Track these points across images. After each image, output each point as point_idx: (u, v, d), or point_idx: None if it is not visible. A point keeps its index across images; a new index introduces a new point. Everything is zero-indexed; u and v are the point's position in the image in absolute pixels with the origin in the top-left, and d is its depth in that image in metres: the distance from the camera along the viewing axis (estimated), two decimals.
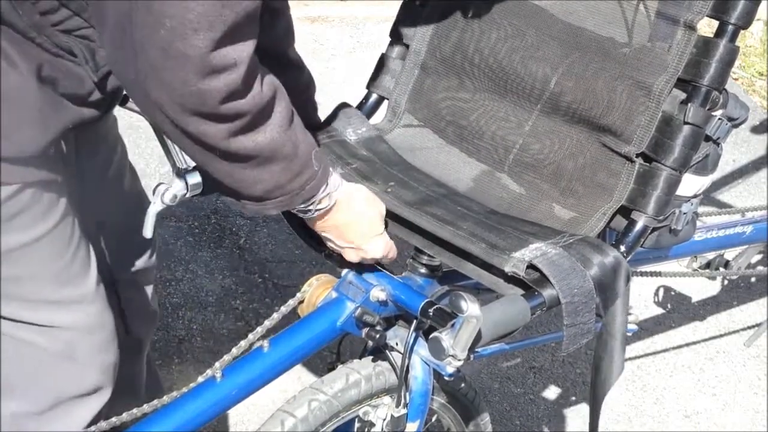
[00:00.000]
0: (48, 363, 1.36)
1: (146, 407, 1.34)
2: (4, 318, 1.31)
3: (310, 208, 1.33)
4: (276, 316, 1.42)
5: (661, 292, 2.81)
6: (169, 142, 1.38)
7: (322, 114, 1.64)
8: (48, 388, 1.38)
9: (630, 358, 2.61)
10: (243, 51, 1.11)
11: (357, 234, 1.38)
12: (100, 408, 1.43)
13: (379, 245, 1.40)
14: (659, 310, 2.78)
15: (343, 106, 1.64)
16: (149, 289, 1.69)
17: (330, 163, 1.36)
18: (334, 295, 1.45)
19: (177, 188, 1.38)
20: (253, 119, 1.17)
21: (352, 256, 1.41)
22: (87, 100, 1.26)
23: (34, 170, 1.22)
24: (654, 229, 1.39)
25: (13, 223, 1.23)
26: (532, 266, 1.27)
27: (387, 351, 1.46)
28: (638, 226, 1.36)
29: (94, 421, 1.42)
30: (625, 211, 1.39)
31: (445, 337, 1.19)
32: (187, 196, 1.40)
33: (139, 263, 1.63)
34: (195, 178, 1.40)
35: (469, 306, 1.13)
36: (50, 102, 1.21)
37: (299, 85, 1.52)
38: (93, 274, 1.37)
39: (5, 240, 1.24)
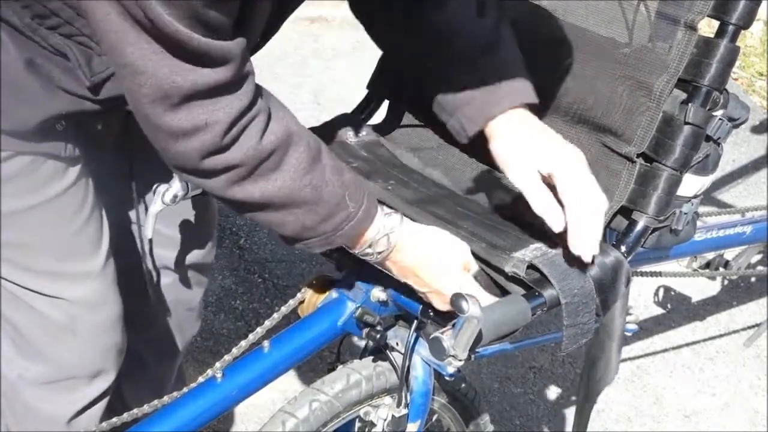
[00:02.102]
0: (52, 333, 1.37)
1: (146, 407, 1.34)
2: (14, 283, 1.33)
3: (368, 251, 1.25)
4: (276, 316, 1.42)
5: (661, 292, 2.81)
6: None
7: (323, 114, 1.64)
8: (52, 359, 1.39)
9: (630, 358, 2.61)
10: (217, 110, 1.09)
11: (429, 276, 1.27)
12: (101, 392, 1.44)
13: (454, 286, 1.25)
14: (659, 310, 2.78)
15: (343, 114, 1.64)
16: (196, 290, 1.67)
17: (382, 205, 1.27)
18: (335, 295, 1.45)
19: (177, 188, 1.38)
20: (253, 169, 1.13)
21: (438, 303, 1.30)
22: (86, 96, 1.25)
23: (28, 142, 1.23)
24: (654, 230, 1.39)
25: (6, 188, 1.24)
26: (532, 266, 1.27)
27: (387, 351, 1.46)
28: (639, 226, 1.36)
29: (92, 404, 1.43)
30: (625, 212, 1.39)
31: (445, 337, 1.18)
32: (188, 196, 1.40)
33: (195, 257, 1.62)
34: None
35: (470, 306, 1.13)
36: (42, 88, 1.21)
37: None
38: (102, 252, 1.37)
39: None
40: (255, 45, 1.26)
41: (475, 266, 1.29)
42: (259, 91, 1.15)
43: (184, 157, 1.11)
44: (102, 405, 1.45)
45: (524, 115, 1.30)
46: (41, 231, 1.30)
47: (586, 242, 1.22)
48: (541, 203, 1.23)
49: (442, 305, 1.28)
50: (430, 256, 1.26)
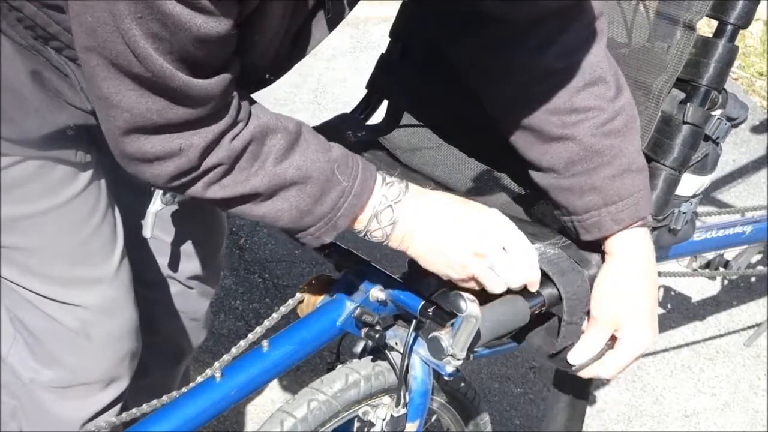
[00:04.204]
0: (66, 339, 1.36)
1: (146, 407, 1.34)
2: (26, 289, 1.32)
3: (373, 227, 1.19)
4: (276, 316, 1.42)
5: (661, 292, 2.81)
6: None
7: (323, 114, 1.63)
8: (66, 365, 1.38)
9: None
10: (193, 136, 1.06)
11: (453, 255, 1.20)
12: (114, 399, 1.43)
13: (491, 271, 1.21)
14: (659, 310, 2.78)
15: (343, 114, 1.64)
16: (202, 301, 1.66)
17: (384, 173, 1.21)
18: (334, 295, 1.45)
19: None
20: (230, 168, 1.11)
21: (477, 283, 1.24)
22: (92, 112, 1.23)
23: (37, 148, 1.21)
24: (653, 229, 1.39)
25: (12, 193, 1.23)
26: None
27: (386, 351, 1.46)
28: None
29: (106, 409, 1.42)
30: None
31: (444, 336, 1.19)
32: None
33: (201, 268, 1.60)
34: None
35: (468, 306, 1.13)
36: (48, 101, 1.20)
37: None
38: (115, 258, 1.36)
39: (3, 209, 1.23)
40: (264, 79, 1.24)
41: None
42: (240, 107, 1.11)
43: (157, 180, 1.10)
44: (116, 410, 1.44)
45: (640, 239, 1.29)
46: (53, 236, 1.29)
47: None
48: (583, 353, 1.30)
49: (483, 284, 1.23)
50: (455, 213, 1.21)
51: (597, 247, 1.32)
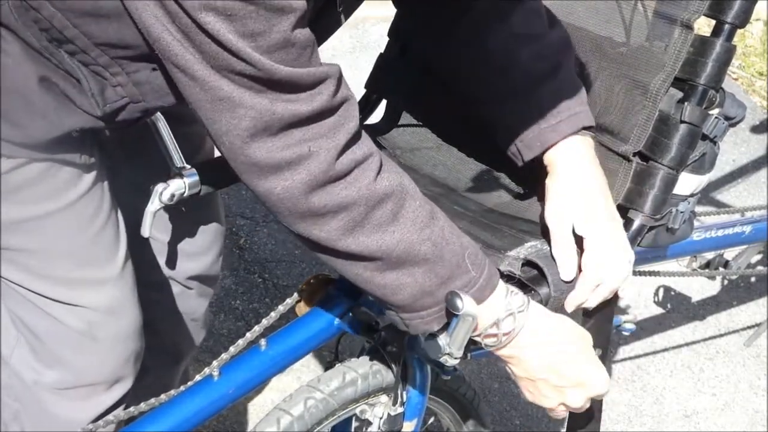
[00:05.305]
0: (71, 340, 1.35)
1: (143, 406, 1.34)
2: (31, 291, 1.31)
3: (492, 332, 1.17)
4: (274, 315, 1.42)
5: (661, 292, 2.81)
6: (166, 139, 1.37)
7: None
8: (70, 366, 1.38)
9: (630, 358, 2.61)
10: (321, 138, 1.04)
11: (572, 365, 1.22)
12: (118, 399, 1.43)
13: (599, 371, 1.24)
14: (659, 310, 2.78)
15: None
16: (201, 301, 1.66)
17: (509, 285, 1.19)
18: (332, 293, 1.45)
19: (175, 187, 1.38)
20: (367, 213, 1.08)
21: (577, 399, 1.23)
22: (100, 118, 1.22)
23: (42, 149, 1.21)
24: (651, 228, 1.39)
25: (18, 195, 1.22)
26: (528, 263, 1.27)
27: (384, 349, 1.47)
28: (635, 224, 1.37)
29: (110, 410, 1.42)
30: (622, 210, 1.39)
31: (441, 335, 1.19)
32: (185, 195, 1.40)
33: (200, 267, 1.60)
34: (193, 178, 1.40)
35: (465, 304, 1.13)
36: (56, 106, 1.19)
37: None
38: (119, 259, 1.35)
39: (9, 211, 1.23)
40: None
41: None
42: (362, 130, 1.10)
43: (290, 195, 1.05)
44: (119, 411, 1.44)
45: (581, 146, 1.31)
46: (58, 238, 1.28)
47: (577, 301, 1.29)
48: (563, 263, 1.28)
49: (582, 400, 1.24)
50: (568, 342, 1.21)
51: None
